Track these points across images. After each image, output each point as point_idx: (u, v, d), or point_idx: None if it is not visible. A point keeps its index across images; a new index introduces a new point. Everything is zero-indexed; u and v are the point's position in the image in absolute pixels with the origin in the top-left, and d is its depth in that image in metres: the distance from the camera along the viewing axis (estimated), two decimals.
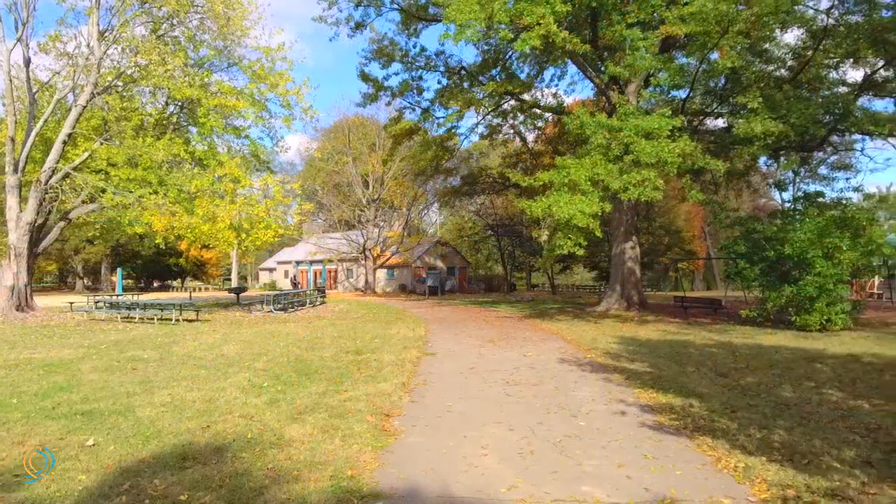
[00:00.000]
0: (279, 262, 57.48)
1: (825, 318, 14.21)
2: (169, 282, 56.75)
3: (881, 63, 17.74)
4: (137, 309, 18.51)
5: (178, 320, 17.66)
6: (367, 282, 43.49)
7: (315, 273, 51.36)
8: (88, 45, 18.27)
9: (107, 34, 18.41)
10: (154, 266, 54.44)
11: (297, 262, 53.26)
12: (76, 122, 18.17)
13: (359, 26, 25.05)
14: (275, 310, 22.26)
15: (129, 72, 19.06)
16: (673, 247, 45.52)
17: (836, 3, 16.71)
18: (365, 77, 26.13)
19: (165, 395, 7.26)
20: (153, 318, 17.90)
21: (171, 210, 18.36)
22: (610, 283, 24.30)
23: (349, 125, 46.39)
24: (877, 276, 24.73)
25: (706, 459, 4.93)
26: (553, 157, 25.73)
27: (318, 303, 27.66)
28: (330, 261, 46.92)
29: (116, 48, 19.16)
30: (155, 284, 56.58)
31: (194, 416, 6.28)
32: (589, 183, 14.76)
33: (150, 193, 18.00)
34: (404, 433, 5.78)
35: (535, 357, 10.84)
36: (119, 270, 42.50)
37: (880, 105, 18.89)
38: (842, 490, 4.13)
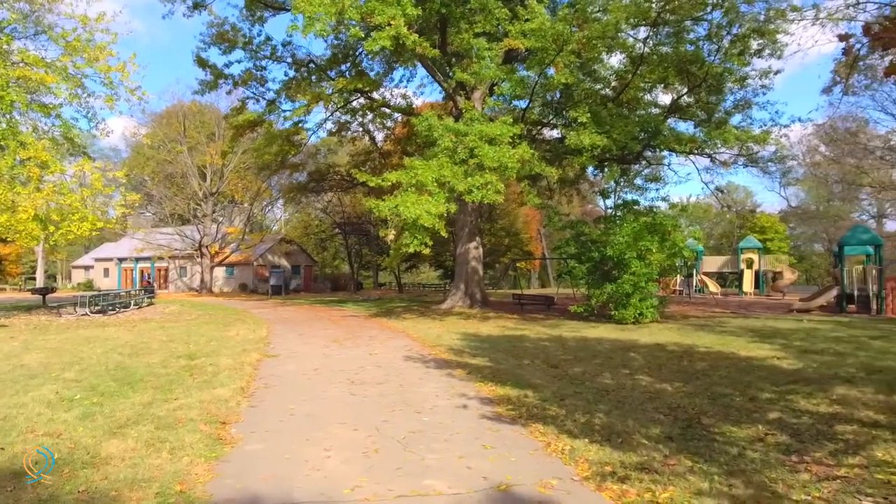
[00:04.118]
0: (97, 260, 51.34)
1: (638, 312, 16.03)
2: None
3: (685, 90, 20.45)
4: None
5: None
6: (203, 281, 40.56)
7: (142, 271, 46.70)
8: None
9: None
10: None
11: (120, 260, 48.03)
12: None
13: (197, 6, 23.19)
14: (91, 312, 19.82)
15: None
16: (512, 247, 48.52)
17: (651, 34, 18.89)
18: (202, 63, 24.28)
19: None
20: None
21: None
22: (454, 281, 25.19)
23: (185, 111, 42.74)
24: (678, 275, 28.58)
25: (538, 445, 5.29)
26: (402, 157, 26.04)
27: (144, 304, 25.18)
28: (160, 258, 42.99)
29: None
30: None
31: None
32: (436, 184, 15.15)
33: None
34: (242, 441, 5.46)
35: (381, 355, 10.87)
36: None
37: (683, 127, 21.72)
38: (649, 463, 4.68)
